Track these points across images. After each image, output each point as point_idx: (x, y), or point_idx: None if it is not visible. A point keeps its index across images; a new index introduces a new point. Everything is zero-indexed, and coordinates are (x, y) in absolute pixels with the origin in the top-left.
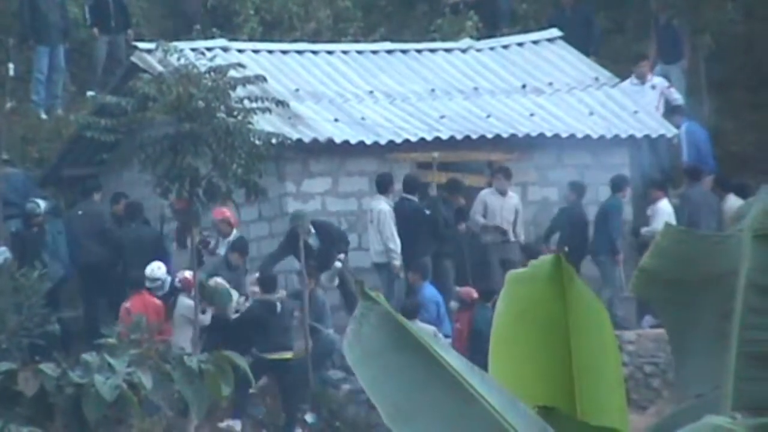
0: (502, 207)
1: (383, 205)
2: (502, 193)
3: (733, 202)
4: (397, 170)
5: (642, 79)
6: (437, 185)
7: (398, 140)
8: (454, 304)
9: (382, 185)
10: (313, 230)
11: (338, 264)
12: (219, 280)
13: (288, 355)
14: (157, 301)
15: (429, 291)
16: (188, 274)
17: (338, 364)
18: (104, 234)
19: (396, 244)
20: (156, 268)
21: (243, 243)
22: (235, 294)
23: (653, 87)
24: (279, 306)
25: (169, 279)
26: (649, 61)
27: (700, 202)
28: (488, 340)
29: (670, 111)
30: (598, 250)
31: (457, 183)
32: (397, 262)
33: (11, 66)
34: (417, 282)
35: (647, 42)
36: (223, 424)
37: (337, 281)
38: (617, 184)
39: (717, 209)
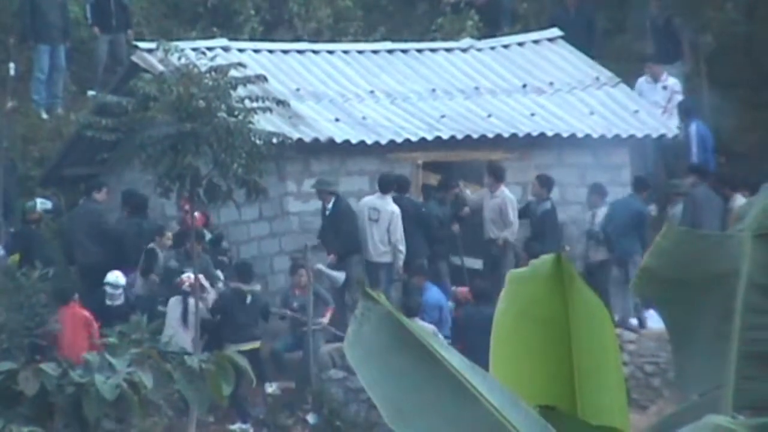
0: (484, 206)
1: (393, 206)
2: (491, 190)
3: (739, 201)
4: (398, 170)
5: (655, 78)
6: (430, 185)
7: (399, 140)
8: (450, 304)
9: (386, 184)
10: (332, 200)
11: (320, 267)
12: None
13: (255, 345)
14: (87, 314)
15: (432, 294)
16: (185, 277)
17: (339, 364)
18: (103, 233)
19: (404, 246)
20: (118, 276)
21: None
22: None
23: (665, 87)
24: (249, 297)
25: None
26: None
27: (704, 202)
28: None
29: (683, 110)
30: (629, 251)
31: (449, 182)
32: (401, 263)
33: (12, 65)
34: (421, 283)
35: (646, 42)
36: (234, 427)
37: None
38: (640, 185)
39: (721, 209)
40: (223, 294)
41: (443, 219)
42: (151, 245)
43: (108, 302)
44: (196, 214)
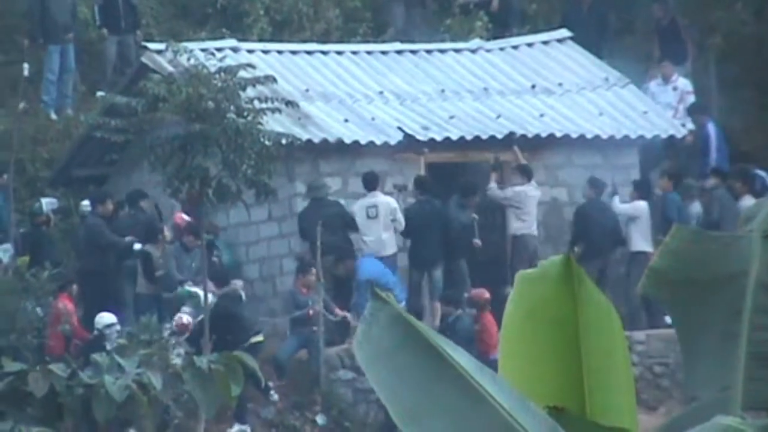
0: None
1: (388, 198)
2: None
3: (748, 201)
4: (407, 170)
5: (666, 80)
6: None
7: (408, 141)
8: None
9: (372, 182)
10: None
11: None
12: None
13: (259, 338)
14: (64, 306)
15: (365, 270)
16: (185, 318)
17: (348, 364)
18: (102, 250)
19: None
20: (108, 317)
21: (194, 226)
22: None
23: (675, 89)
24: (243, 295)
25: (118, 327)
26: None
27: (726, 204)
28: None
29: (697, 110)
30: None
31: (473, 186)
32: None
33: (26, 66)
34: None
35: (654, 43)
36: (233, 430)
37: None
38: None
39: (738, 211)
40: (218, 301)
41: (465, 224)
42: (146, 246)
43: (108, 346)
44: (180, 214)
